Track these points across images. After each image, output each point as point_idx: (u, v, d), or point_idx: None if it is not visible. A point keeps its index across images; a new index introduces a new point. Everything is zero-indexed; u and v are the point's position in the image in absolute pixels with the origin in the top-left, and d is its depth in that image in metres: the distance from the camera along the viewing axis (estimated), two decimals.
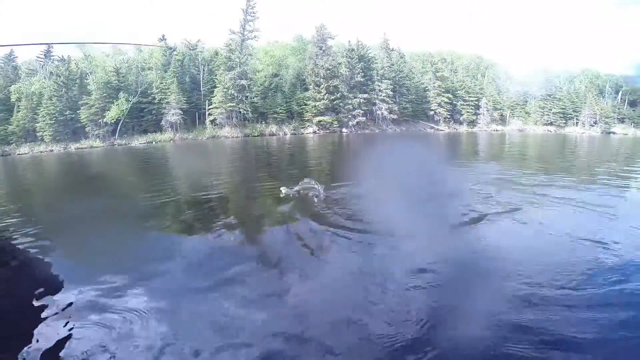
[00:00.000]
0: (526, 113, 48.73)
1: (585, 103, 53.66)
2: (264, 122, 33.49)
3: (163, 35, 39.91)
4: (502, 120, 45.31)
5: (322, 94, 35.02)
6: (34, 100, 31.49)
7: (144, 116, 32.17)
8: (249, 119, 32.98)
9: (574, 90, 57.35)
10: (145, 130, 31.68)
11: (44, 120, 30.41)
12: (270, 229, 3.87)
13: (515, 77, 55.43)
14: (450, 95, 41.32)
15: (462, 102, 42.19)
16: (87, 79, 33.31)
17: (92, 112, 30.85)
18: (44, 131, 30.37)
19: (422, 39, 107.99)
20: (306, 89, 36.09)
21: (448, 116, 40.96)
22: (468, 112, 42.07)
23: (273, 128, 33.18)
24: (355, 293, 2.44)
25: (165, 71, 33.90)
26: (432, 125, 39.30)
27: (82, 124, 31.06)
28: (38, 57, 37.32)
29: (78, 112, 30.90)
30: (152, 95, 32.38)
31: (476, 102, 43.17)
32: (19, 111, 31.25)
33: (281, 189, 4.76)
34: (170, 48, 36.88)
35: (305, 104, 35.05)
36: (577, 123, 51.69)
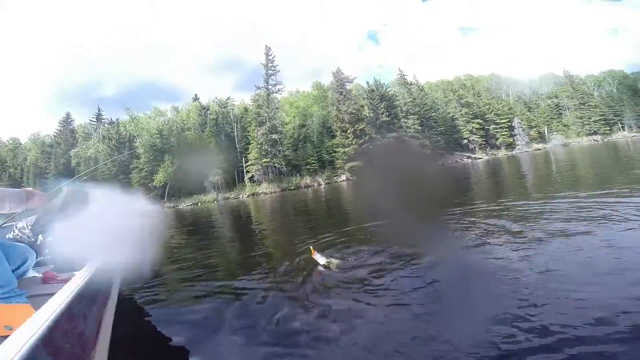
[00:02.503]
0: (564, 126, 46.04)
1: (623, 105, 50.29)
2: (298, 174, 33.51)
3: (196, 95, 42.97)
4: (542, 137, 42.82)
5: (350, 139, 34.97)
6: (91, 164, 33.79)
7: (188, 178, 33.30)
8: (284, 172, 33.19)
9: (606, 94, 54.31)
10: (190, 192, 32.60)
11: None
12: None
13: (541, 91, 53.73)
14: (480, 121, 40.02)
15: (495, 126, 40.63)
16: (135, 142, 35.49)
17: (142, 176, 32.41)
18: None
19: (435, 68, 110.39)
20: (333, 136, 36.33)
21: (483, 142, 39.25)
22: (503, 135, 40.24)
23: (307, 180, 33.00)
24: None
25: (203, 131, 35.55)
26: (468, 154, 37.62)
27: (134, 188, 32.49)
28: (91, 120, 41.00)
29: (130, 175, 32.49)
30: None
31: (508, 123, 41.41)
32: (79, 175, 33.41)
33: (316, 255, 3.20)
34: (204, 108, 39.17)
35: (335, 152, 35.01)
36: (623, 127, 48.01)
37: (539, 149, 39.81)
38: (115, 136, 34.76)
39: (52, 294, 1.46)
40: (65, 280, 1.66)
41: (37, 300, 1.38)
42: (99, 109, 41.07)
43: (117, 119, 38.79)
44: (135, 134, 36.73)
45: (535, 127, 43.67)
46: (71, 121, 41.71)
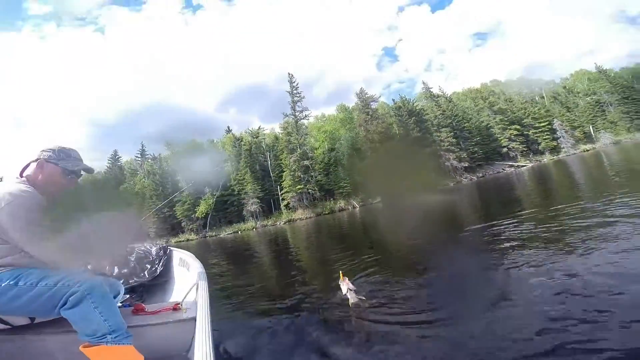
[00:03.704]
0: (611, 123, 42.53)
1: None
2: (331, 198, 33.02)
3: (228, 127, 44.46)
4: (588, 137, 39.68)
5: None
6: (139, 199, 35.04)
7: (227, 208, 34.03)
8: (317, 197, 32.87)
9: None
10: (230, 221, 33.17)
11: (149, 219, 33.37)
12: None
13: (577, 88, 50.67)
14: (518, 126, 37.95)
15: (534, 130, 38.26)
16: (177, 177, 36.62)
17: (185, 208, 33.42)
18: (149, 228, 33.08)
19: (456, 77, 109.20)
20: (364, 158, 35.75)
21: (525, 149, 36.89)
22: (544, 139, 37.72)
23: (341, 203, 32.36)
24: None
25: (238, 162, 36.34)
26: (510, 163, 35.41)
27: (178, 220, 33.46)
28: (136, 156, 43.08)
29: (174, 208, 33.49)
30: (232, 187, 34.40)
31: (549, 126, 38.87)
32: None
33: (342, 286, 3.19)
34: (238, 139, 40.24)
35: (367, 173, 34.31)
36: None
37: (587, 150, 36.78)
38: (159, 171, 36.53)
39: (143, 326, 1.50)
40: (155, 313, 1.58)
41: (131, 331, 1.39)
42: (142, 145, 43.58)
43: (159, 154, 40.76)
44: (177, 168, 37.77)
45: (579, 127, 40.69)
46: (119, 158, 44.44)
